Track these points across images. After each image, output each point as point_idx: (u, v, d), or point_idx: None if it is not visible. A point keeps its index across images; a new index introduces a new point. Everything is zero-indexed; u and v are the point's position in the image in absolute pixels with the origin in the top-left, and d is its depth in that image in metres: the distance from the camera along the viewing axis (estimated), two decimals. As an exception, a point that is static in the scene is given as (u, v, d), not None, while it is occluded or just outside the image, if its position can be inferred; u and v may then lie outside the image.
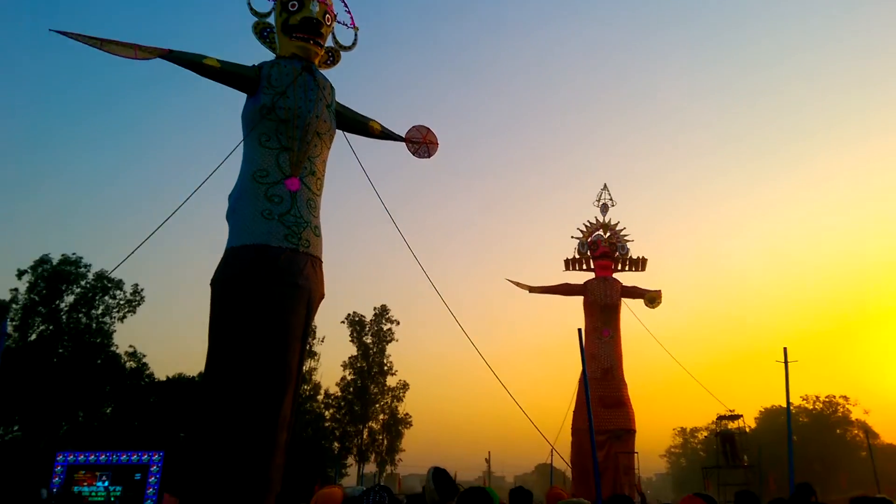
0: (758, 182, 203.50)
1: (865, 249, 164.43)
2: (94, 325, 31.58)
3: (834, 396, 53.92)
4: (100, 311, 31.91)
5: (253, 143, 10.24)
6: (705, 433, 63.15)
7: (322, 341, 39.95)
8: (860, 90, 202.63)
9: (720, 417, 21.20)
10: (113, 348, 32.22)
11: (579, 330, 9.28)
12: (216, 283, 9.69)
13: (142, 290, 32.56)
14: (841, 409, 53.81)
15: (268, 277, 9.39)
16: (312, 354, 38.34)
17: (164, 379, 34.04)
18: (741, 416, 21.39)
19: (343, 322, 42.30)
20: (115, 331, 32.21)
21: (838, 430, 52.98)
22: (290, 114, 10.18)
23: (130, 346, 33.42)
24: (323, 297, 10.43)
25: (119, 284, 32.09)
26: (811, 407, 54.16)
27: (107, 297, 32.05)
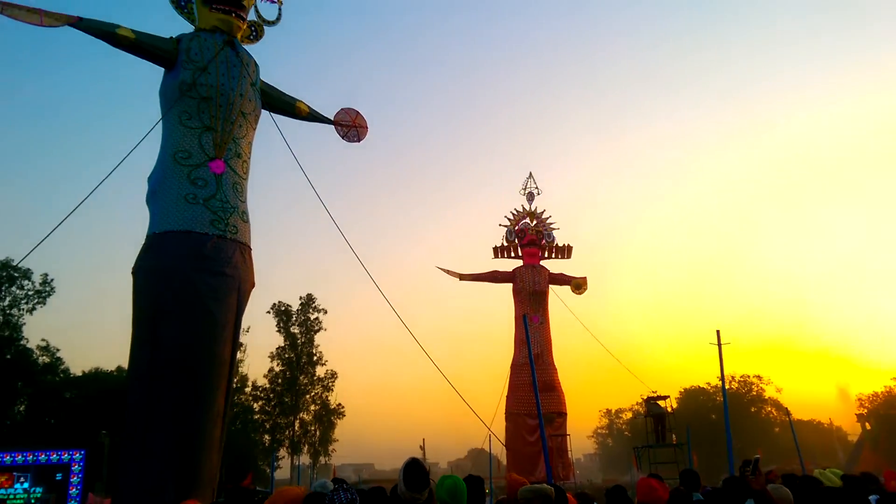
0: (682, 167, 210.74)
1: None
2: (0, 317, 29.68)
3: (748, 376, 56.66)
4: (6, 303, 30.00)
5: (173, 122, 9.65)
6: (629, 414, 65.34)
7: (247, 331, 38.94)
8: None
9: (649, 399, 21.79)
10: (23, 342, 30.40)
11: (524, 316, 9.23)
12: (138, 271, 9.12)
13: (52, 280, 30.91)
14: (755, 388, 56.62)
15: (194, 266, 8.90)
16: (239, 346, 37.35)
17: (81, 374, 32.45)
18: (668, 396, 22.07)
19: (269, 312, 41.33)
20: (24, 324, 30.40)
21: (753, 409, 55.74)
22: (213, 91, 9.66)
23: (43, 340, 31.64)
24: (253, 286, 10.01)
25: (27, 274, 30.25)
26: (728, 386, 56.66)
27: (14, 288, 30.18)
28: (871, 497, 5.30)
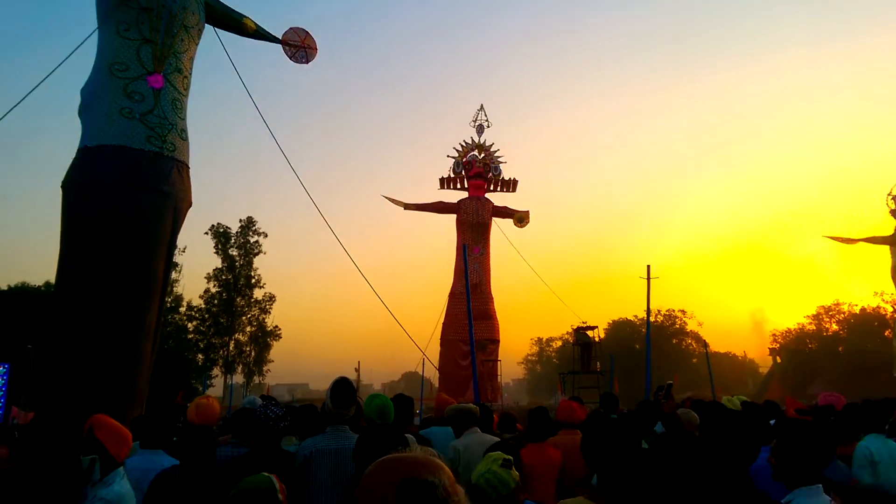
0: (632, 111, 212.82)
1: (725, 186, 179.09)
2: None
3: (673, 310, 59.51)
4: (-75, 215, 28.51)
5: (110, 32, 9.17)
6: (559, 342, 67.98)
7: (183, 251, 38.21)
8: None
9: (578, 328, 22.75)
10: (-57, 255, 29.10)
11: (464, 246, 9.43)
12: (69, 185, 8.83)
13: (-26, 191, 29.40)
14: (678, 322, 59.59)
15: (129, 182, 8.68)
16: (175, 266, 36.64)
17: (7, 288, 31.39)
18: (596, 327, 23.06)
19: (207, 233, 40.58)
20: (-55, 236, 29.02)
21: (675, 340, 58.80)
22: (154, 2, 9.19)
23: (-36, 253, 30.34)
24: (190, 206, 9.86)
25: (-54, 184, 28.69)
26: (653, 319, 59.41)
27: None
28: (770, 421, 5.83)
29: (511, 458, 2.97)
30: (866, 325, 47.71)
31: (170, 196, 9.10)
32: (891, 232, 29.10)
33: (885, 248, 29.33)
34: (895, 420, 6.90)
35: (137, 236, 8.71)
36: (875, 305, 48.05)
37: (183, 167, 9.46)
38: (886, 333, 41.83)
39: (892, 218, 29.29)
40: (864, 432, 4.96)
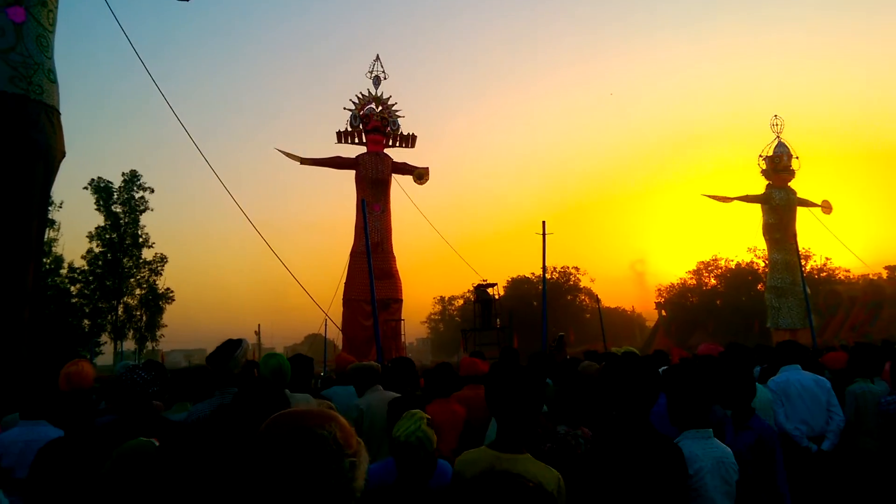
0: (529, 69, 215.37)
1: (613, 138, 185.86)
2: None
3: (567, 267, 61.88)
4: None
5: (-42, -45, 8.10)
6: (461, 301, 69.19)
7: (60, 207, 35.35)
8: None
9: (478, 286, 23.07)
10: None
11: (363, 201, 9.13)
12: (-83, 131, 7.84)
13: None
14: (573, 278, 62.08)
15: (-10, 128, 7.80)
16: (52, 223, 33.92)
17: None
18: (496, 284, 23.44)
19: (86, 188, 37.68)
20: None
21: (569, 297, 61.26)
22: (11, -77, 8.18)
23: None
24: (64, 156, 9.02)
25: None
26: (549, 276, 61.51)
27: None
28: (660, 369, 6.09)
29: (431, 417, 2.93)
30: (742, 279, 51.47)
31: (39, 144, 8.26)
32: (762, 191, 31.18)
33: (758, 206, 31.43)
34: (768, 365, 7.43)
35: (4, 190, 7.89)
36: (749, 260, 51.85)
37: (53, 112, 8.60)
38: (759, 287, 45.32)
39: (764, 178, 31.36)
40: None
